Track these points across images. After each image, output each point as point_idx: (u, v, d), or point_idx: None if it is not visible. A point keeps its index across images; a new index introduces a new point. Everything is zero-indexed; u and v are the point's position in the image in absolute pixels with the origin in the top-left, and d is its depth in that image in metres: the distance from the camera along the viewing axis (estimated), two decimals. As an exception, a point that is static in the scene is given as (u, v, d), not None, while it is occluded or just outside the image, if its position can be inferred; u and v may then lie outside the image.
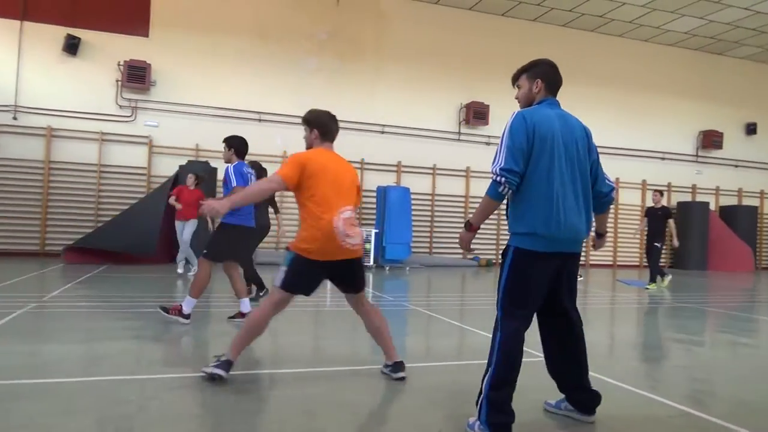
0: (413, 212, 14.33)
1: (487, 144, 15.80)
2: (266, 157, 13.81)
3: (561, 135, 2.93)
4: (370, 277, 11.54)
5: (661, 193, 10.98)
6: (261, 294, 7.42)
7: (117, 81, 12.99)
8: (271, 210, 8.11)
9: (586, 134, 3.10)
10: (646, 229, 10.97)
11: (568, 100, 14.13)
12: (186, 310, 5.51)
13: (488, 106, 15.45)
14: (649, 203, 12.21)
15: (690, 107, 17.93)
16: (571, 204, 2.89)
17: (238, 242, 5.70)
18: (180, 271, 10.09)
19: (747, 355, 5.33)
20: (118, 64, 12.92)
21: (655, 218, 10.74)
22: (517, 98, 3.24)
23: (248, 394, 3.53)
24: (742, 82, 18.57)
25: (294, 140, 13.76)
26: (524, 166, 2.85)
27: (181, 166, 12.36)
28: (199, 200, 9.47)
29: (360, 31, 14.80)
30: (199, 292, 5.46)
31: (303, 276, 3.64)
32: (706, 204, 17.63)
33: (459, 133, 15.61)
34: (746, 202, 19.00)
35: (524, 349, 2.93)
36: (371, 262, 13.20)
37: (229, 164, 5.75)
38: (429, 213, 15.25)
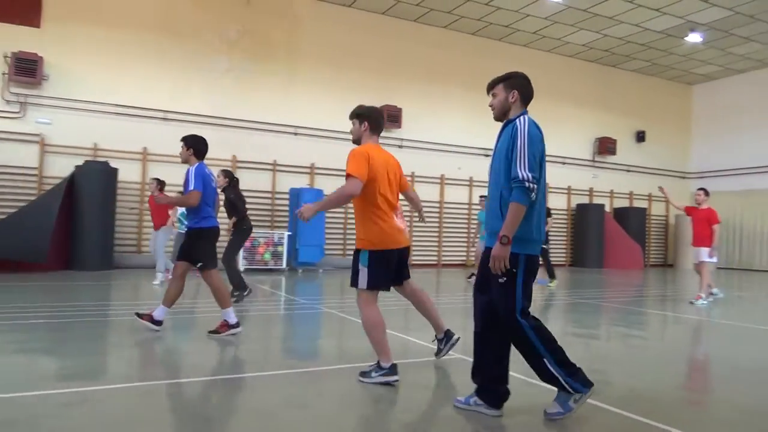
0: (326, 214, 14.27)
1: (400, 147, 16.01)
2: (170, 157, 13.26)
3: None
4: (282, 280, 11.37)
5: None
6: (245, 294, 7.58)
7: (3, 74, 11.97)
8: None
9: None
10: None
11: (476, 106, 14.65)
12: (231, 321, 5.32)
13: (401, 109, 15.68)
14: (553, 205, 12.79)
15: (587, 115, 19.13)
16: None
17: (214, 245, 5.61)
18: (156, 283, 9.57)
19: (638, 346, 5.74)
20: (5, 56, 11.91)
21: None
22: (491, 106, 3.41)
23: (146, 406, 3.35)
24: (633, 93, 20.05)
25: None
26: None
27: (77, 167, 11.59)
28: (167, 208, 9.57)
29: (272, 31, 14.54)
30: (227, 300, 5.37)
31: (382, 269, 3.92)
32: (602, 206, 18.88)
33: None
34: (636, 204, 20.52)
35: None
36: (284, 265, 13.01)
37: (189, 166, 5.57)
38: (342, 215, 15.24)
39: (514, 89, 3.33)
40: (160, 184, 9.75)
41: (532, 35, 17.14)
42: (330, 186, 14.87)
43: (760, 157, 19.48)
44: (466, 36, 17.10)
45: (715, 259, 9.30)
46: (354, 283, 3.97)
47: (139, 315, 5.46)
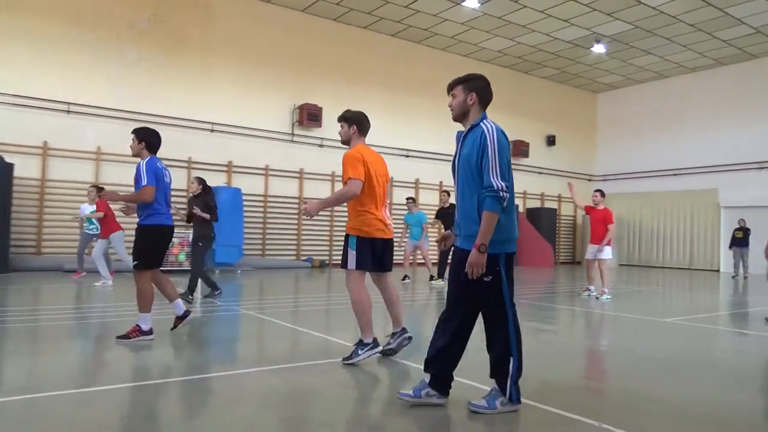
0: (245, 214, 13.92)
1: (320, 146, 15.90)
2: (74, 152, 12.49)
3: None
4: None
5: (447, 193, 11.77)
6: (216, 293, 8.12)
7: None
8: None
9: None
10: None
11: (397, 107, 14.78)
12: (145, 327, 5.07)
13: (322, 108, 15.57)
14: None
15: (502, 119, 19.53)
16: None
17: (164, 244, 5.31)
18: (98, 284, 9.43)
19: (549, 341, 6.00)
20: None
21: (448, 217, 11.29)
22: (450, 106, 3.47)
23: (44, 418, 3.12)
24: (544, 99, 21.02)
25: (110, 135, 12.61)
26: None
27: (-33, 161, 10.65)
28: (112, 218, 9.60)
29: (186, 24, 14.00)
30: (149, 305, 5.09)
31: (368, 253, 4.33)
32: (516, 206, 19.62)
33: (292, 134, 15.51)
34: (547, 204, 21.53)
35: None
36: (200, 267, 12.54)
37: (141, 159, 5.16)
38: (261, 214, 14.93)
39: (473, 91, 3.40)
40: (99, 190, 9.71)
41: (450, 39, 17.56)
42: (248, 185, 14.55)
43: (657, 162, 21.00)
44: (386, 37, 17.25)
45: (611, 256, 9.89)
46: (344, 264, 4.38)
47: (123, 336, 5.00)
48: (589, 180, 23.15)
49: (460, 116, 3.45)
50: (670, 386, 4.01)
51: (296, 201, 15.50)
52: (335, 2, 15.00)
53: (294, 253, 15.45)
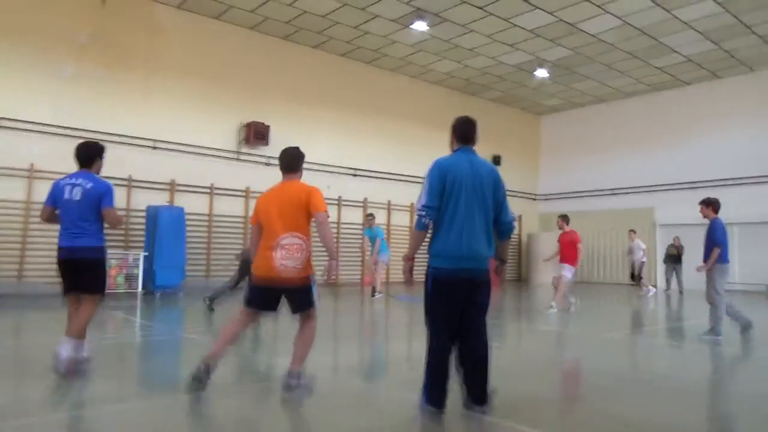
0: (188, 234, 13.47)
1: (267, 164, 15.65)
2: (8, 170, 11.85)
3: (469, 176, 3.63)
4: (136, 305, 10.49)
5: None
6: None
7: None
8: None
9: (493, 175, 3.79)
10: None
11: (346, 126, 14.71)
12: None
13: (269, 126, 15.36)
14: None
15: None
16: (475, 231, 3.57)
17: (60, 267, 4.81)
18: None
19: (495, 357, 5.98)
20: None
21: None
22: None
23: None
24: (490, 121, 21.40)
25: (49, 152, 12.00)
26: (439, 202, 3.58)
27: None
28: None
29: (130, 39, 13.57)
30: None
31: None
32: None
33: (238, 152, 15.21)
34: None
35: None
36: (139, 288, 12.03)
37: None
38: (206, 234, 14.50)
39: (452, 133, 3.93)
40: None
41: (399, 61, 17.75)
42: (192, 204, 14.11)
43: (597, 182, 21.74)
44: (336, 57, 17.26)
45: (570, 276, 10.42)
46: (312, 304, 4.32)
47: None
48: (533, 199, 23.74)
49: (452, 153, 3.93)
50: (616, 401, 4.05)
51: (242, 220, 15.15)
52: (284, 21, 14.91)
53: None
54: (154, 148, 13.69)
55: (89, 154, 4.94)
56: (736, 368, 6.01)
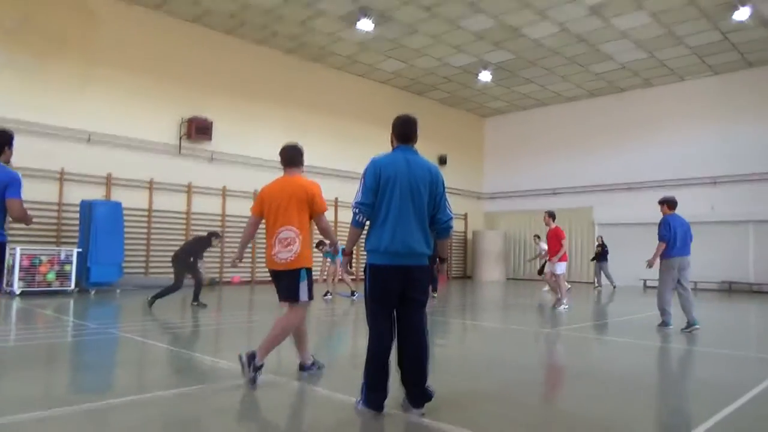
0: (126, 229, 13.02)
1: (211, 160, 15.32)
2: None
3: (404, 175, 3.67)
4: (69, 303, 10.06)
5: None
6: None
7: None
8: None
9: (431, 173, 3.78)
10: None
11: (291, 122, 14.55)
12: None
13: (212, 121, 15.02)
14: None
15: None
16: (409, 227, 3.62)
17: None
18: None
19: (438, 354, 6.06)
20: None
21: None
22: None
23: None
24: (437, 121, 21.71)
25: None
26: (374, 199, 3.64)
27: None
28: None
29: (63, 27, 12.95)
30: None
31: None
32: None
33: (180, 147, 14.81)
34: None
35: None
36: (72, 286, 11.53)
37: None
38: (145, 230, 14.05)
39: (392, 132, 3.93)
40: None
41: (345, 59, 17.70)
42: (131, 199, 13.64)
43: (539, 182, 22.38)
44: (281, 54, 17.05)
45: (563, 271, 10.86)
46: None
47: None
48: (478, 198, 24.20)
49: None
50: (539, 393, 4.18)
51: (184, 216, 14.76)
52: (228, 15, 14.61)
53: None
54: (89, 140, 13.16)
55: None
56: (669, 361, 6.32)
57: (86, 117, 13.13)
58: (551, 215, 11.18)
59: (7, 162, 4.62)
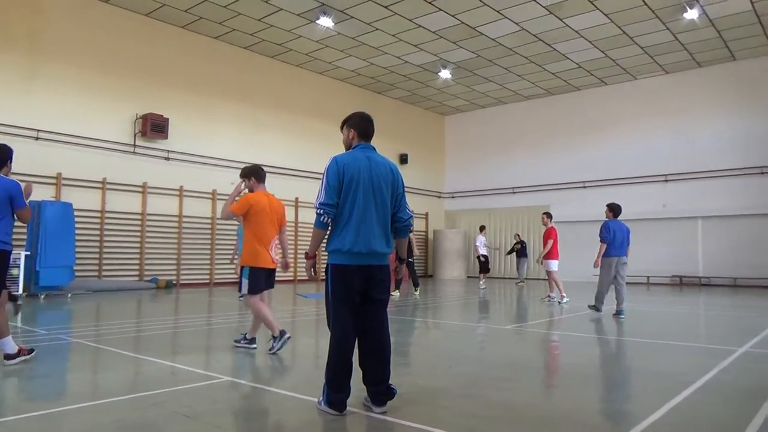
0: (77, 231, 12.59)
1: (167, 159, 14.96)
2: None
3: (366, 174, 3.63)
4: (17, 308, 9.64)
5: None
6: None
7: None
8: None
9: (392, 172, 3.77)
10: None
11: (250, 121, 14.32)
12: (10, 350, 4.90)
13: (168, 119, 14.66)
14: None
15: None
16: (372, 228, 3.59)
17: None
18: None
19: (400, 352, 6.07)
20: None
21: None
22: (343, 142, 3.94)
23: None
24: (397, 119, 21.79)
25: None
26: (338, 199, 3.58)
27: None
28: None
29: (8, 20, 12.43)
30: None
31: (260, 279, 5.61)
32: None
33: (134, 145, 14.40)
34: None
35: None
36: (19, 290, 11.07)
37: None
38: (98, 232, 13.61)
39: (351, 128, 3.86)
40: None
41: (305, 56, 17.56)
42: (82, 199, 13.21)
43: (498, 180, 22.70)
44: (238, 49, 16.79)
45: (555, 268, 11.62)
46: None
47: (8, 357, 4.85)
48: (439, 197, 24.37)
49: (348, 149, 3.86)
50: (509, 390, 4.23)
51: (139, 217, 14.37)
52: (183, 9, 14.27)
53: (137, 272, 14.27)
54: (37, 138, 12.67)
55: None
56: (615, 353, 6.49)
57: (34, 114, 12.64)
58: (549, 216, 12.09)
59: (7, 175, 4.98)
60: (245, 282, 5.56)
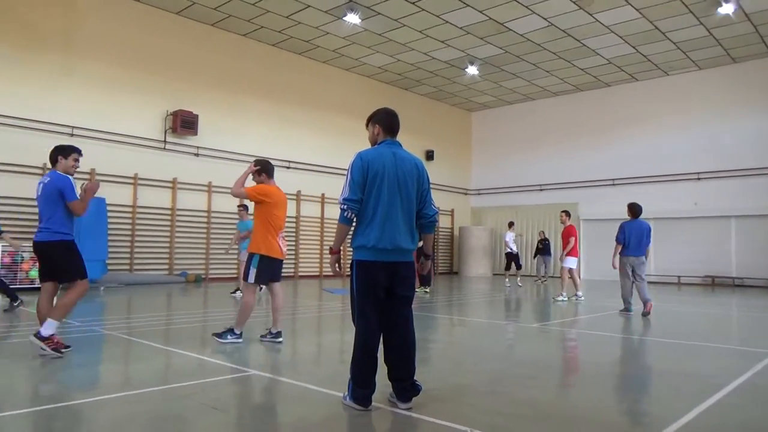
0: (110, 225, 12.88)
1: (197, 155, 15.19)
2: None
3: (392, 169, 3.62)
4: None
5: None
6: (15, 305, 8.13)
7: None
8: None
9: (417, 168, 3.75)
10: None
11: (278, 117, 14.41)
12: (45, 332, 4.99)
13: (197, 115, 14.89)
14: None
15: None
16: (397, 224, 3.59)
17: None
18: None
19: (432, 349, 6.07)
20: None
21: None
22: (369, 138, 3.92)
23: None
24: (423, 116, 21.72)
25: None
26: (362, 195, 3.58)
27: None
28: None
29: (44, 19, 12.75)
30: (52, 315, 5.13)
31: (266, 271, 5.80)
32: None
33: (165, 141, 14.66)
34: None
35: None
36: (56, 284, 11.37)
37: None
38: (129, 226, 13.91)
39: (377, 124, 3.86)
40: None
41: (332, 53, 17.62)
42: (114, 194, 13.50)
43: (525, 177, 22.48)
44: (267, 47, 16.94)
45: (573, 266, 11.63)
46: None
47: (39, 336, 4.95)
48: (465, 194, 24.25)
49: (373, 145, 3.85)
50: (538, 389, 4.21)
51: (169, 212, 14.64)
52: (213, 7, 14.46)
53: (167, 267, 14.55)
54: (72, 134, 12.98)
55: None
56: (637, 352, 6.39)
57: (68, 111, 12.96)
58: (567, 214, 12.08)
59: (66, 171, 5.33)
60: (253, 271, 5.67)
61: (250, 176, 6.02)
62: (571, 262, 11.62)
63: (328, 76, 18.68)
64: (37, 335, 4.93)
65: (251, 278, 5.71)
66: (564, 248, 11.62)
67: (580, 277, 13.19)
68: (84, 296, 5.34)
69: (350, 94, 19.14)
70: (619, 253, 9.31)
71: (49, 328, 4.94)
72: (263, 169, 6.02)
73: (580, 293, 11.61)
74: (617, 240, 9.35)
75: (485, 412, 3.58)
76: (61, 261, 5.20)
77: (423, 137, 21.56)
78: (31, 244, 5.37)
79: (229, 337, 5.74)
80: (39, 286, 5.59)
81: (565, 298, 11.40)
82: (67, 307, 5.12)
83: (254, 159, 6.41)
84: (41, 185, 5.21)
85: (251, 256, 5.76)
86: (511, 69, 18.79)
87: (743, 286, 17.09)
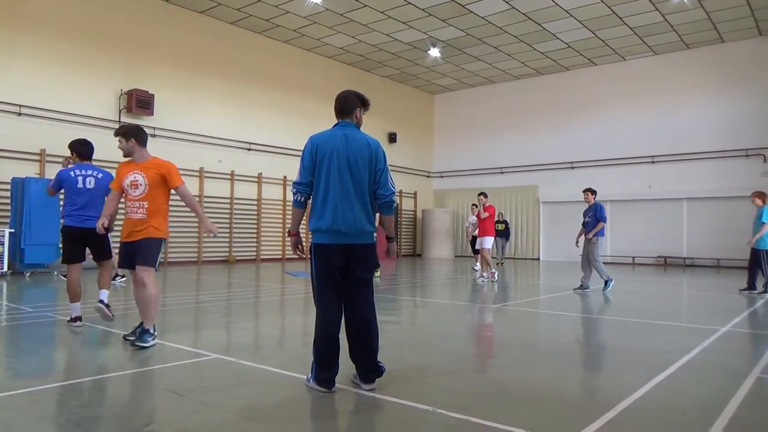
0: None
1: (153, 136, 14.76)
2: None
3: (342, 151, 3.59)
4: (3, 286, 9.58)
5: None
6: None
7: None
8: None
9: (370, 147, 3.68)
10: None
11: (237, 98, 14.12)
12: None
13: (153, 95, 14.44)
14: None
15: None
16: (351, 205, 3.57)
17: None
18: None
19: (392, 330, 6.11)
20: None
21: None
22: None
23: None
24: (385, 97, 21.61)
25: None
26: (311, 178, 3.62)
27: None
28: None
29: (-13, -11, 12.12)
30: (70, 296, 6.02)
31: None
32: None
33: (119, 122, 14.18)
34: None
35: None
36: (5, 268, 10.97)
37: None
38: (84, 210, 13.44)
39: (335, 106, 3.84)
40: None
41: (293, 32, 17.31)
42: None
43: (486, 160, 22.71)
44: (226, 25, 16.52)
45: (488, 245, 11.84)
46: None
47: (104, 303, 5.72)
48: (428, 177, 24.37)
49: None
50: (498, 367, 4.28)
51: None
52: (169, -18, 13.98)
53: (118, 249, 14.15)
54: (20, 114, 12.43)
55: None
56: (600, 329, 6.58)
57: (15, 89, 12.38)
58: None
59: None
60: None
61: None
62: (487, 242, 11.82)
63: (289, 57, 18.37)
64: (102, 302, 5.76)
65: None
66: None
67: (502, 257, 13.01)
68: None
69: (312, 75, 18.88)
70: (597, 232, 9.71)
71: (106, 295, 5.92)
72: (133, 134, 5.50)
73: (486, 275, 11.78)
74: (605, 219, 9.81)
75: (448, 392, 3.63)
76: (107, 243, 6.11)
77: (385, 119, 21.49)
78: (71, 229, 5.99)
79: (149, 340, 4.86)
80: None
81: (486, 279, 11.64)
82: (109, 279, 6.18)
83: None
84: (92, 178, 6.29)
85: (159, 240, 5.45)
86: (473, 52, 18.85)
87: (693, 266, 17.76)
